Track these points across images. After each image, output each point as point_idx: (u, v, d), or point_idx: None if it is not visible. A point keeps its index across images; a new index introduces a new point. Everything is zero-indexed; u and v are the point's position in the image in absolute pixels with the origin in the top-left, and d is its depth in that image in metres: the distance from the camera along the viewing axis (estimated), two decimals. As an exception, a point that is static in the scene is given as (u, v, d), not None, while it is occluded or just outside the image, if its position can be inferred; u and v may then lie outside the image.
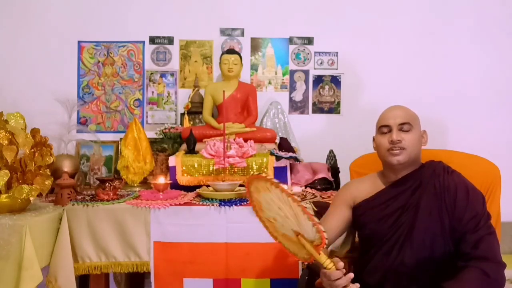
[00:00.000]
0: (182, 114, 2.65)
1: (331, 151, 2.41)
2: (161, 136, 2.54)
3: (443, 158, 1.59)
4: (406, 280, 1.40)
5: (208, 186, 2.06)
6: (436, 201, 1.43)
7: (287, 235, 1.22)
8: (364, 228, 1.54)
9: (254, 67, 2.76)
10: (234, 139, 2.24)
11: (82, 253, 1.85)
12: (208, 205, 1.87)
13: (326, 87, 2.75)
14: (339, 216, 1.57)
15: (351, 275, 1.19)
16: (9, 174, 1.74)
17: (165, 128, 2.53)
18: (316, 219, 1.14)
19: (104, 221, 1.85)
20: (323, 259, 1.17)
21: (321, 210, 1.77)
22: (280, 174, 2.15)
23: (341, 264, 1.19)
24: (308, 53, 2.75)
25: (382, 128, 1.53)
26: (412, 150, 1.49)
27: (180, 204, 1.88)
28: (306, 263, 1.27)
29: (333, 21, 2.72)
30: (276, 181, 1.17)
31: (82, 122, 2.73)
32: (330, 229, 1.51)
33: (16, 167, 1.81)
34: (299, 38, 2.75)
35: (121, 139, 2.46)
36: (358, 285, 1.20)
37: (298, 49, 2.75)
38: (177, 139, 2.46)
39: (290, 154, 2.19)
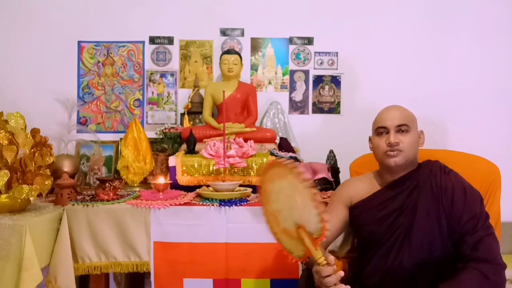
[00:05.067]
0: (182, 114, 2.66)
1: (331, 151, 2.41)
2: (161, 136, 2.54)
3: (442, 158, 1.59)
4: (405, 282, 1.40)
5: (208, 186, 2.06)
6: (433, 202, 1.43)
7: (287, 230, 1.22)
8: (361, 229, 1.54)
9: (254, 67, 2.76)
10: (234, 139, 2.24)
11: (82, 253, 1.85)
12: (208, 205, 1.87)
13: (326, 87, 2.75)
14: (337, 215, 1.56)
15: (341, 273, 1.17)
16: (9, 174, 1.74)
17: (165, 128, 2.53)
18: (322, 207, 1.14)
19: (104, 221, 1.85)
20: (319, 254, 1.17)
21: (321, 210, 1.77)
22: (280, 174, 2.14)
23: (331, 258, 1.18)
24: (308, 53, 2.75)
25: (379, 129, 1.52)
26: (409, 152, 1.49)
27: (180, 204, 1.88)
28: (300, 261, 1.28)
29: (333, 21, 2.72)
30: (293, 165, 1.17)
31: (82, 122, 2.73)
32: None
33: (16, 167, 1.81)
34: (299, 38, 2.75)
35: (121, 139, 2.46)
36: (349, 287, 1.18)
37: (298, 49, 2.75)
38: (177, 139, 2.46)
39: (290, 154, 2.19)
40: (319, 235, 1.15)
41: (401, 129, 1.49)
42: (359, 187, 1.59)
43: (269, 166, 1.24)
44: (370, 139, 1.61)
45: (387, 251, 1.44)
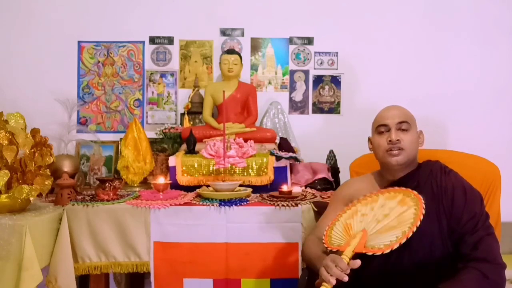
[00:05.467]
0: (182, 114, 2.66)
1: (331, 151, 2.41)
2: (161, 136, 2.54)
3: (442, 158, 1.59)
4: (405, 282, 1.40)
5: (208, 186, 2.06)
6: (433, 202, 1.43)
7: (351, 225, 1.38)
8: (362, 229, 1.54)
9: (254, 67, 2.76)
10: (234, 139, 2.24)
11: (82, 253, 1.85)
12: (208, 205, 1.87)
13: (326, 87, 2.75)
14: (337, 215, 1.57)
15: (346, 278, 1.22)
16: (9, 174, 1.74)
17: (165, 128, 2.53)
18: (404, 239, 1.26)
19: (104, 221, 1.85)
20: (350, 254, 1.27)
21: (321, 210, 1.77)
22: (280, 174, 2.14)
23: (358, 263, 1.25)
24: (308, 53, 2.75)
25: (380, 128, 1.53)
26: (410, 150, 1.49)
27: (180, 204, 1.88)
28: (329, 248, 1.37)
29: (333, 21, 2.72)
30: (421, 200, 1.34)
31: (82, 122, 2.73)
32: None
33: (16, 167, 1.81)
34: (299, 38, 2.75)
35: (121, 139, 2.46)
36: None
37: (298, 49, 2.75)
38: (177, 139, 2.46)
39: (290, 154, 2.19)
40: (372, 247, 1.27)
41: (402, 127, 1.50)
42: (360, 187, 1.59)
43: (410, 193, 1.39)
44: (369, 139, 1.62)
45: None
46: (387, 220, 1.34)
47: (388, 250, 1.25)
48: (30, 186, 1.78)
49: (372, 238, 1.31)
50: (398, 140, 1.47)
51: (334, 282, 1.21)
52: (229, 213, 1.86)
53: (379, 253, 1.25)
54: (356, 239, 1.31)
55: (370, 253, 1.26)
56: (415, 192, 1.39)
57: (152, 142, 2.44)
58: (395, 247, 1.24)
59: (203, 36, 2.74)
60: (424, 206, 1.32)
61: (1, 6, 2.70)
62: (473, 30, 2.72)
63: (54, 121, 2.51)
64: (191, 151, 2.22)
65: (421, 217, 1.29)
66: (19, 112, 1.89)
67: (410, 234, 1.26)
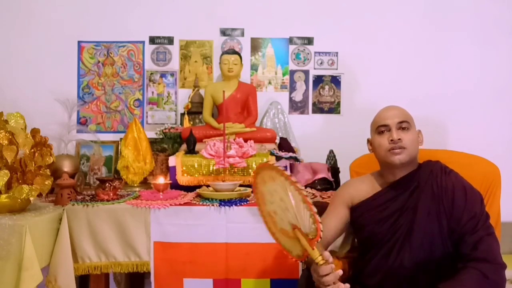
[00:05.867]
0: (182, 114, 2.66)
1: (331, 151, 2.41)
2: (161, 136, 2.54)
3: (443, 158, 1.59)
4: (405, 282, 1.40)
5: (208, 186, 2.06)
6: (434, 202, 1.43)
7: (284, 230, 1.25)
8: (362, 230, 1.54)
9: (254, 67, 2.76)
10: (234, 139, 2.24)
11: (82, 253, 1.85)
12: (208, 205, 1.87)
13: (326, 87, 2.75)
14: (337, 216, 1.57)
15: (340, 272, 1.19)
16: (9, 174, 1.74)
17: (165, 128, 2.53)
18: (314, 209, 1.15)
19: (104, 221, 1.85)
20: (316, 254, 1.18)
21: (321, 210, 1.76)
22: (280, 174, 2.14)
23: (327, 254, 1.19)
24: (308, 53, 2.75)
25: (380, 128, 1.53)
26: (412, 149, 1.50)
27: (180, 204, 1.88)
28: (300, 261, 1.29)
29: (333, 21, 2.72)
30: (281, 168, 1.20)
31: (82, 122, 2.73)
32: (329, 229, 1.51)
33: (16, 167, 1.81)
34: (299, 38, 2.75)
35: (121, 139, 2.46)
36: (348, 285, 1.19)
37: (298, 49, 2.75)
38: (177, 139, 2.46)
39: (290, 154, 2.19)
40: (314, 235, 1.17)
41: (402, 126, 1.50)
42: (360, 187, 1.59)
43: (259, 168, 1.27)
44: (368, 141, 1.62)
45: (388, 251, 1.44)
46: (287, 203, 1.21)
47: (321, 226, 1.15)
48: (30, 186, 1.78)
49: (301, 226, 1.20)
50: (399, 139, 1.48)
51: (338, 283, 1.19)
52: (229, 213, 1.86)
53: (321, 233, 1.16)
54: (303, 241, 1.20)
55: (319, 240, 1.18)
56: (267, 164, 1.28)
57: (152, 142, 2.44)
58: (319, 219, 1.16)
59: (203, 36, 2.74)
60: (282, 168, 1.21)
61: (1, 6, 2.70)
62: (473, 30, 2.72)
63: (54, 121, 2.51)
64: (191, 151, 2.22)
65: (295, 182, 1.18)
66: (19, 112, 1.89)
67: (307, 198, 1.17)
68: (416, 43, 2.72)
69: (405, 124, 1.50)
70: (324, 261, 1.18)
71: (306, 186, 2.21)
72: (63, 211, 1.85)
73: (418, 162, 1.56)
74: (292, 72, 2.76)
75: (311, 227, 1.17)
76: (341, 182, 2.24)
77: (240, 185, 2.03)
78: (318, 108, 2.76)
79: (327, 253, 1.20)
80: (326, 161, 2.41)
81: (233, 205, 1.87)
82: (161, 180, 2.00)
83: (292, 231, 1.22)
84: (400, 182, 1.51)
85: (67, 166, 2.27)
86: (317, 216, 1.15)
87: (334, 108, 2.76)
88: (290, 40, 2.75)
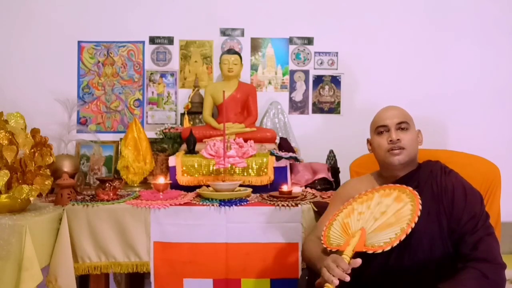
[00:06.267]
0: (182, 114, 2.66)
1: (331, 151, 2.41)
2: (161, 136, 2.54)
3: (443, 158, 1.59)
4: (406, 282, 1.40)
5: (208, 186, 2.06)
6: (434, 202, 1.43)
7: (348, 224, 1.39)
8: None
9: (254, 67, 2.76)
10: (234, 139, 2.24)
11: (82, 253, 1.85)
12: (208, 205, 1.87)
13: (326, 87, 2.75)
14: None
15: (347, 278, 1.22)
16: (9, 174, 1.74)
17: (165, 128, 2.53)
18: (403, 236, 1.26)
19: (104, 221, 1.85)
20: (350, 254, 1.27)
21: (321, 210, 1.77)
22: (280, 174, 2.14)
23: (359, 261, 1.25)
24: (308, 53, 2.75)
25: (379, 128, 1.53)
26: (411, 149, 1.50)
27: (180, 204, 1.88)
28: (329, 248, 1.37)
29: (333, 21, 2.72)
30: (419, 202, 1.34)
31: (82, 122, 2.73)
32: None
33: (16, 167, 1.81)
34: (299, 38, 2.75)
35: (121, 139, 2.46)
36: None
37: (298, 49, 2.75)
38: (177, 139, 2.46)
39: (290, 154, 2.19)
40: (371, 246, 1.27)
41: (401, 126, 1.51)
42: (360, 187, 1.59)
43: (405, 189, 1.41)
44: (368, 141, 1.62)
45: (388, 251, 1.44)
46: (384, 218, 1.35)
47: (388, 248, 1.25)
48: (30, 186, 1.78)
49: (371, 237, 1.31)
50: (398, 139, 1.48)
51: (337, 282, 1.21)
52: (229, 213, 1.86)
53: (379, 251, 1.25)
54: (355, 238, 1.31)
55: (370, 252, 1.26)
56: (410, 188, 1.40)
57: (152, 142, 2.44)
58: (395, 244, 1.25)
59: (203, 36, 2.74)
60: (420, 201, 1.33)
61: (1, 6, 2.70)
62: (473, 30, 2.72)
63: (54, 121, 2.51)
64: (191, 151, 2.22)
65: (419, 213, 1.29)
66: (19, 112, 1.89)
67: (409, 230, 1.26)
68: (416, 43, 2.72)
69: (404, 125, 1.51)
70: (349, 260, 1.25)
71: (306, 186, 2.22)
72: (63, 211, 1.85)
73: (418, 162, 1.56)
74: (292, 72, 2.76)
75: (378, 240, 1.28)
76: (341, 182, 2.24)
77: (240, 185, 2.03)
78: (318, 108, 2.76)
79: (358, 260, 1.25)
80: (326, 161, 2.41)
81: (233, 205, 1.87)
82: (161, 180, 2.00)
83: (355, 231, 1.35)
84: (400, 181, 1.50)
85: (67, 166, 2.26)
86: (396, 242, 1.25)
87: (334, 108, 2.76)
88: (290, 40, 2.75)
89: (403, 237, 1.25)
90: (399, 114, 1.53)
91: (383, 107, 1.60)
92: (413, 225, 1.27)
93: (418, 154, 1.57)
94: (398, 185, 1.44)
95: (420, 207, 1.31)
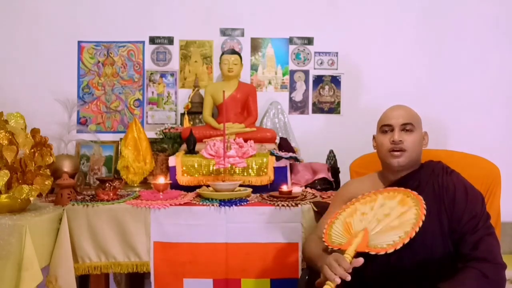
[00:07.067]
0: (182, 114, 2.66)
1: (331, 151, 2.41)
2: (161, 136, 2.54)
3: (443, 158, 1.59)
4: (406, 281, 1.40)
5: (208, 186, 2.06)
6: (435, 202, 1.43)
7: (351, 224, 1.40)
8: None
9: (254, 67, 2.76)
10: (234, 139, 2.24)
11: (82, 253, 1.85)
12: (208, 205, 1.87)
13: (326, 87, 2.75)
14: None
15: (348, 277, 1.22)
16: (9, 174, 1.74)
17: (165, 128, 2.53)
18: (407, 240, 1.27)
19: (104, 221, 1.85)
20: (352, 253, 1.27)
21: (321, 210, 1.77)
22: (280, 174, 2.14)
23: (361, 260, 1.25)
24: (308, 53, 2.75)
25: (384, 127, 1.53)
26: (412, 152, 1.49)
27: (180, 204, 1.88)
28: (330, 247, 1.38)
29: (333, 21, 2.72)
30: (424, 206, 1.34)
31: (82, 122, 2.73)
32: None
33: (16, 167, 1.81)
34: (299, 38, 2.75)
35: (121, 139, 2.46)
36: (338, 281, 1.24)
37: (298, 49, 2.75)
38: (177, 139, 2.46)
39: (290, 154, 2.19)
40: (374, 247, 1.28)
41: (406, 128, 1.50)
42: (361, 187, 1.59)
43: (407, 192, 1.42)
44: (374, 137, 1.62)
45: (389, 251, 1.44)
46: (388, 220, 1.35)
47: (391, 250, 1.25)
48: (30, 186, 1.78)
49: (374, 238, 1.31)
50: (400, 140, 1.48)
51: (338, 280, 1.21)
52: (229, 213, 1.86)
53: (382, 252, 1.25)
54: (358, 238, 1.31)
55: (373, 253, 1.26)
56: (415, 193, 1.39)
57: (152, 142, 2.44)
58: (398, 247, 1.25)
59: (203, 36, 2.74)
60: (425, 206, 1.32)
61: (1, 6, 2.70)
62: (473, 30, 2.72)
63: (54, 121, 2.51)
64: (191, 151, 2.22)
65: (423, 218, 1.29)
66: (19, 112, 1.89)
67: (413, 234, 1.27)
68: (416, 43, 2.72)
69: (409, 126, 1.50)
70: (351, 259, 1.25)
71: (306, 186, 2.22)
72: (63, 211, 1.85)
73: (421, 163, 1.56)
74: (292, 72, 2.76)
75: (381, 242, 1.28)
76: (341, 182, 2.25)
77: (240, 185, 2.03)
78: (318, 108, 2.76)
79: (361, 260, 1.25)
80: (326, 161, 2.41)
81: (233, 205, 1.87)
82: (161, 180, 2.00)
83: (358, 231, 1.35)
84: (401, 181, 1.51)
85: (67, 166, 2.26)
86: (399, 246, 1.26)
87: (334, 108, 2.76)
88: (290, 40, 2.75)
89: (407, 240, 1.26)
90: (405, 114, 1.52)
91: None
92: (417, 229, 1.27)
93: (421, 155, 1.56)
94: (402, 188, 1.44)
95: (425, 212, 1.31)
